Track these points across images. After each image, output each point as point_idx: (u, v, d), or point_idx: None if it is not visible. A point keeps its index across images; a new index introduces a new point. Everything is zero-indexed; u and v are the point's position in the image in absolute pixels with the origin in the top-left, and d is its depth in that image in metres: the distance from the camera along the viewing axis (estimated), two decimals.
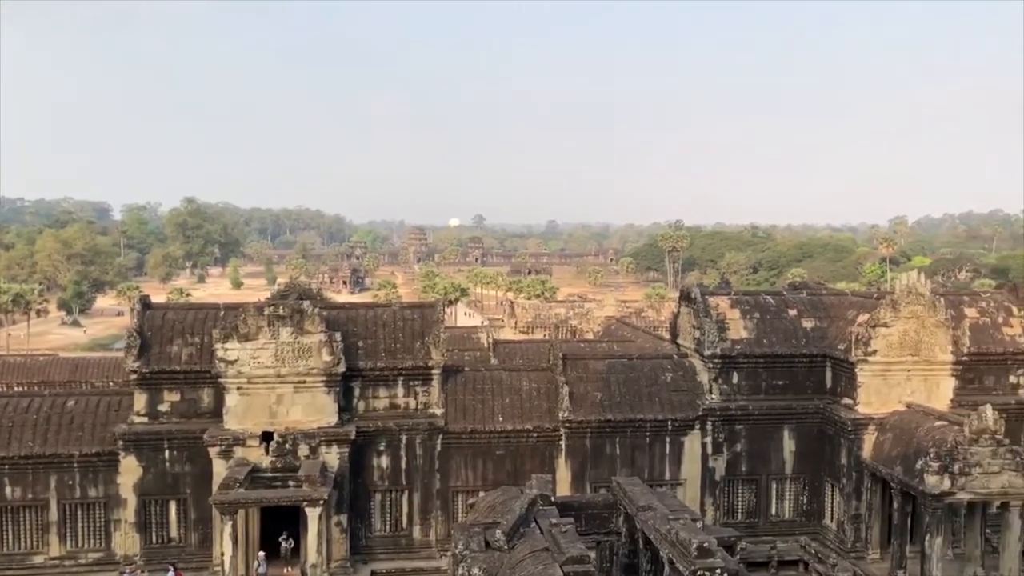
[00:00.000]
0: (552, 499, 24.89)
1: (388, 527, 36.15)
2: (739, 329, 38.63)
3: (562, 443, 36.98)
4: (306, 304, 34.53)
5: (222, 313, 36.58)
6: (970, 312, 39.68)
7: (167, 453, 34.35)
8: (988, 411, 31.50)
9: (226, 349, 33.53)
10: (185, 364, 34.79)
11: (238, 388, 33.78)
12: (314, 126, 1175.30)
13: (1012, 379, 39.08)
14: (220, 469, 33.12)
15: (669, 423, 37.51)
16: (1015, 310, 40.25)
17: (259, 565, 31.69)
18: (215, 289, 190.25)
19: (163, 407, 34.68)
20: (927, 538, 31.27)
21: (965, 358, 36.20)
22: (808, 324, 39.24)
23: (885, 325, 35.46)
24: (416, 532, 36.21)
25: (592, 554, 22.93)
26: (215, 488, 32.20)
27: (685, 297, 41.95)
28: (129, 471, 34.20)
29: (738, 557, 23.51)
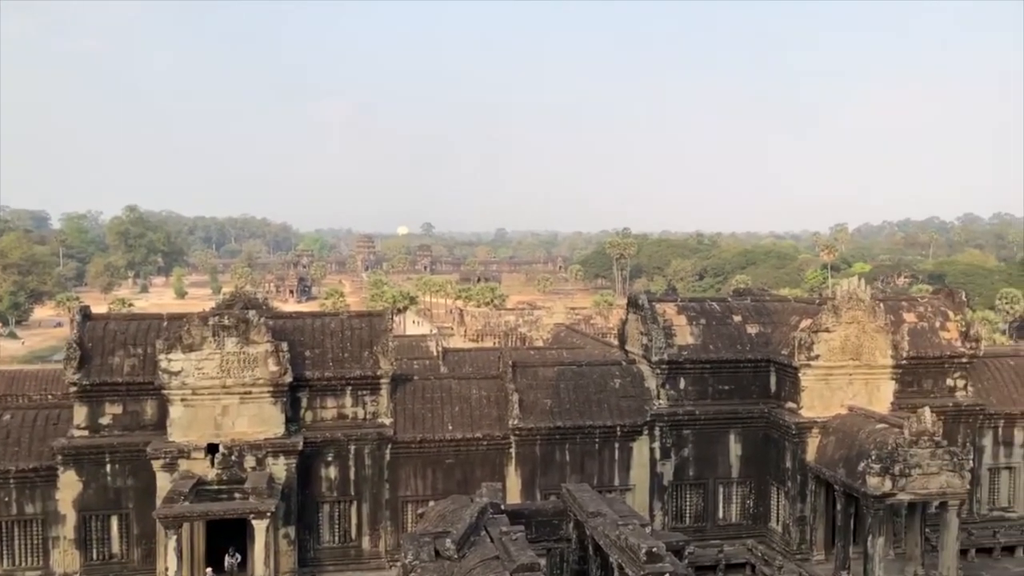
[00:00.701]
0: (502, 507, 24.87)
1: (337, 538, 35.79)
2: (686, 335, 39.09)
3: (512, 451, 37.01)
4: (252, 314, 34.09)
5: (165, 323, 35.93)
6: (908, 317, 40.67)
7: (108, 467, 33.59)
8: (927, 413, 32.33)
9: (170, 360, 32.95)
10: (127, 376, 34.09)
11: (182, 400, 33.20)
12: (260, 133, 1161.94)
13: (949, 382, 40.12)
14: (164, 483, 32.48)
15: (618, 429, 37.77)
16: (951, 315, 41.35)
17: None
18: (158, 299, 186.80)
19: (104, 420, 33.91)
20: (869, 539, 31.93)
21: (904, 362, 37.06)
22: (753, 330, 39.86)
23: (827, 330, 36.18)
24: (365, 543, 35.91)
25: (542, 561, 22.95)
26: (159, 502, 31.57)
27: (633, 304, 42.34)
28: (68, 486, 33.33)
29: (686, 561, 23.70)
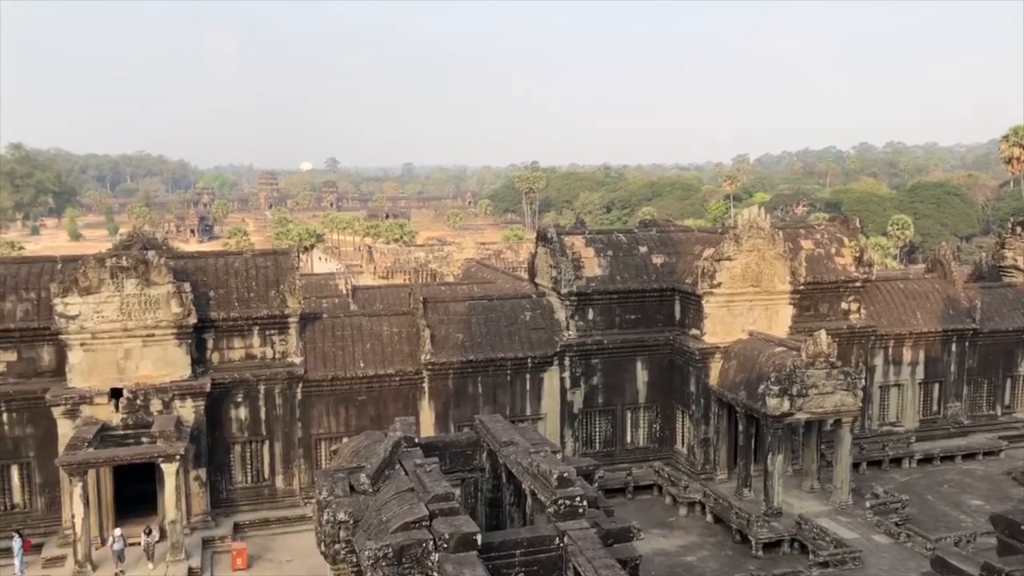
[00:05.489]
0: (416, 440, 25.02)
1: (249, 478, 35.62)
2: (593, 267, 39.66)
3: (425, 385, 37.20)
4: (151, 254, 33.07)
5: (59, 266, 34.55)
6: (806, 244, 42.10)
7: (5, 416, 32.47)
8: (823, 336, 33.77)
9: (66, 304, 31.80)
10: (20, 321, 32.78)
11: (82, 344, 32.16)
12: (152, 65, 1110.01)
13: (844, 306, 41.89)
14: (66, 430, 31.61)
15: (529, 360, 38.31)
16: (846, 241, 42.98)
17: (114, 542, 29.74)
18: (51, 241, 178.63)
19: None
20: (769, 456, 33.46)
21: (802, 287, 38.48)
22: (658, 260, 40.68)
23: (729, 259, 37.20)
24: (279, 482, 35.83)
25: (457, 491, 23.31)
26: (61, 450, 30.71)
27: (542, 237, 42.63)
28: None
29: (596, 485, 24.33)
